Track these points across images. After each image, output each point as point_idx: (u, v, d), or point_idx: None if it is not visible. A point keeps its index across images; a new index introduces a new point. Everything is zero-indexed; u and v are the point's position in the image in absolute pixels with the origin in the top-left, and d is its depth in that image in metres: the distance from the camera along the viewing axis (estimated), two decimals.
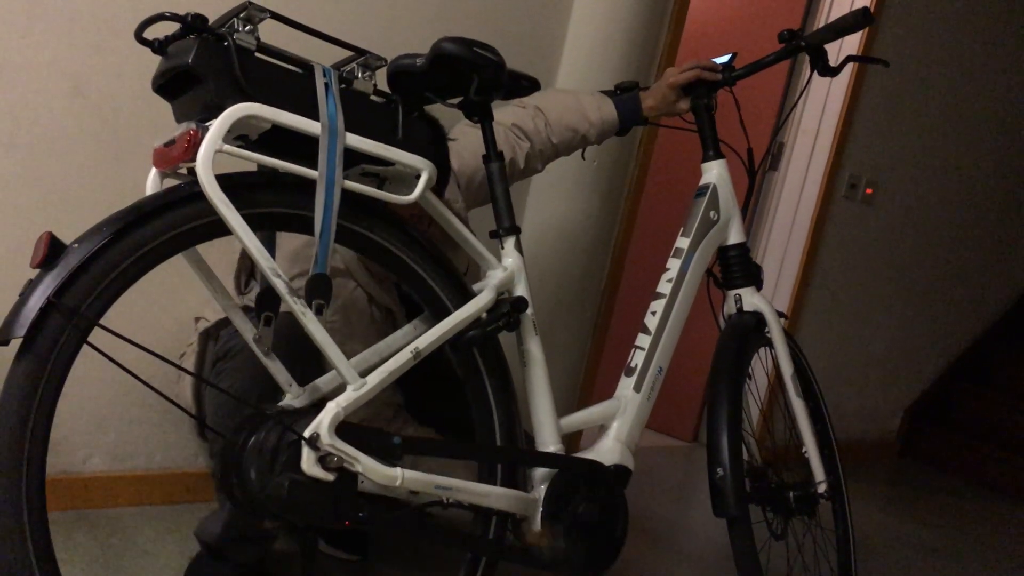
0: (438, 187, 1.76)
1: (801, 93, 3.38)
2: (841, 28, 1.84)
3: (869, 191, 3.92)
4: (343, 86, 1.25)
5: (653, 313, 1.75)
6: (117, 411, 2.02)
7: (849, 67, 3.58)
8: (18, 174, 1.81)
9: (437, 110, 1.42)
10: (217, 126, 1.09)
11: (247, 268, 1.78)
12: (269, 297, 1.30)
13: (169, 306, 2.01)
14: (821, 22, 3.61)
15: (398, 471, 1.25)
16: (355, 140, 1.22)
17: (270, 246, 1.28)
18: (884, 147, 3.93)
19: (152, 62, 1.22)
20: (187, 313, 1.96)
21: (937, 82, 4.06)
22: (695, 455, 3.74)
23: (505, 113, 1.96)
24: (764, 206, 3.82)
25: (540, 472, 1.51)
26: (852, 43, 3.58)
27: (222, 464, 1.25)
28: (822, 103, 3.70)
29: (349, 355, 1.28)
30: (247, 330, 1.30)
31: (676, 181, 3.56)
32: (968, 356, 4.86)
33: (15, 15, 1.75)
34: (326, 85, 1.21)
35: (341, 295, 1.71)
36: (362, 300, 1.74)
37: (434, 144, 1.36)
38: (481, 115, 1.51)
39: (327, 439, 1.18)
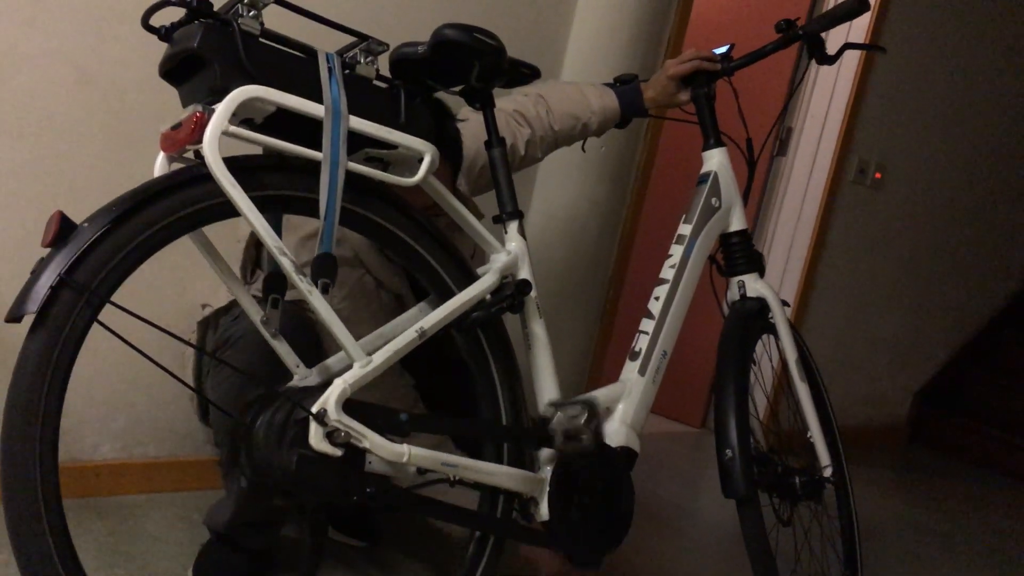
0: (454, 173, 1.78)
1: (800, 81, 3.38)
2: (838, 16, 1.84)
3: (878, 176, 3.92)
4: (346, 71, 1.26)
5: (656, 298, 1.76)
6: (126, 399, 2.04)
7: (857, 52, 3.58)
8: (27, 162, 1.83)
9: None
10: (223, 107, 1.11)
11: (252, 258, 1.80)
12: (276, 279, 1.32)
13: (176, 295, 2.03)
14: (827, 8, 3.61)
15: (405, 447, 1.26)
16: (358, 123, 1.23)
17: (276, 228, 1.29)
18: (893, 132, 3.92)
19: (158, 49, 1.23)
20: (195, 302, 1.97)
21: (946, 66, 4.05)
22: (703, 441, 3.75)
23: (506, 101, 1.97)
24: (772, 191, 3.82)
25: (546, 453, 1.52)
26: (860, 29, 3.58)
27: (231, 444, 1.26)
28: (831, 88, 3.70)
29: (356, 338, 1.29)
30: (254, 313, 1.32)
31: (684, 168, 3.55)
32: (978, 341, 4.85)
33: (20, 3, 1.76)
34: (329, 69, 1.23)
35: (348, 283, 1.72)
36: (370, 285, 1.76)
37: (439, 125, 1.37)
38: (483, 102, 1.52)
39: (334, 415, 1.20)
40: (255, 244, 1.77)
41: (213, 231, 1.27)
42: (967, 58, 4.14)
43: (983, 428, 4.48)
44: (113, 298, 1.09)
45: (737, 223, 1.86)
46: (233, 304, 1.73)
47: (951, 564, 2.78)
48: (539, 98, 1.99)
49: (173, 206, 1.13)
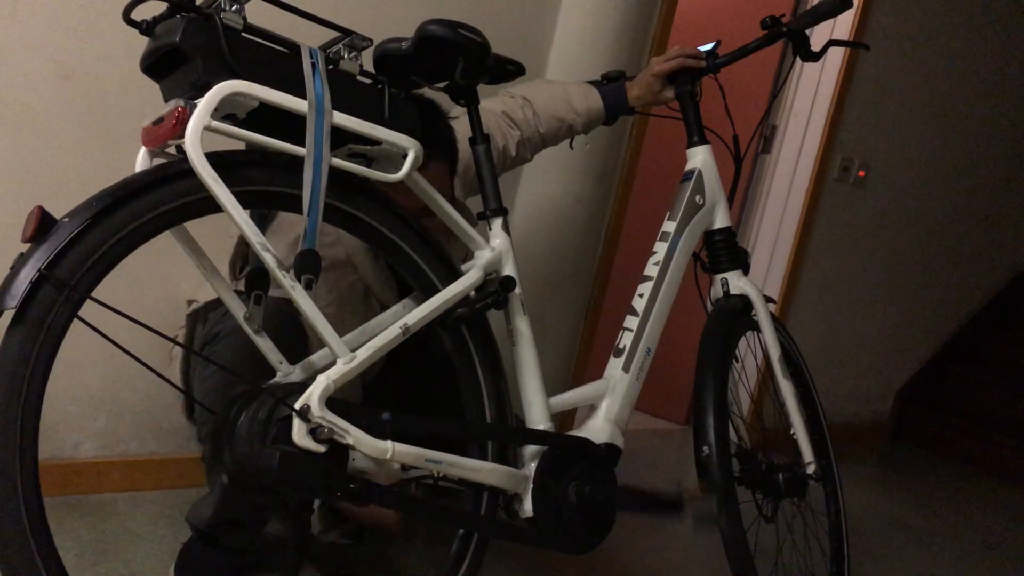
0: (451, 171, 1.77)
1: (785, 78, 3.39)
2: (822, 13, 1.85)
3: (861, 174, 3.93)
4: (330, 66, 1.26)
5: (641, 295, 1.76)
6: (108, 396, 2.02)
7: (841, 50, 3.59)
8: (6, 158, 1.81)
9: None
10: (205, 101, 1.10)
11: (242, 254, 1.79)
12: (259, 275, 1.31)
13: (161, 291, 2.01)
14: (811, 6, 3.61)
15: (388, 443, 1.26)
16: (342, 118, 1.23)
17: (260, 224, 1.29)
18: (877, 130, 3.94)
19: (139, 44, 1.23)
20: (179, 298, 1.97)
21: (929, 64, 4.07)
22: (687, 438, 3.74)
23: (494, 102, 1.98)
24: (756, 189, 3.83)
25: (530, 450, 1.52)
26: (843, 26, 3.59)
27: (214, 440, 1.26)
28: (814, 86, 3.71)
29: None
30: (238, 309, 1.31)
31: (669, 165, 3.56)
32: (960, 338, 4.87)
33: None
34: (313, 65, 1.22)
35: (339, 286, 1.72)
36: (360, 291, 1.76)
37: (432, 125, 1.36)
38: (467, 98, 1.52)
39: (317, 411, 1.19)
40: (246, 241, 1.76)
41: (196, 227, 1.26)
42: (950, 57, 4.16)
43: (965, 425, 4.50)
44: (94, 293, 1.08)
45: (721, 220, 1.87)
46: None
47: (932, 560, 2.80)
48: (525, 101, 1.99)
49: (154, 201, 1.12)
